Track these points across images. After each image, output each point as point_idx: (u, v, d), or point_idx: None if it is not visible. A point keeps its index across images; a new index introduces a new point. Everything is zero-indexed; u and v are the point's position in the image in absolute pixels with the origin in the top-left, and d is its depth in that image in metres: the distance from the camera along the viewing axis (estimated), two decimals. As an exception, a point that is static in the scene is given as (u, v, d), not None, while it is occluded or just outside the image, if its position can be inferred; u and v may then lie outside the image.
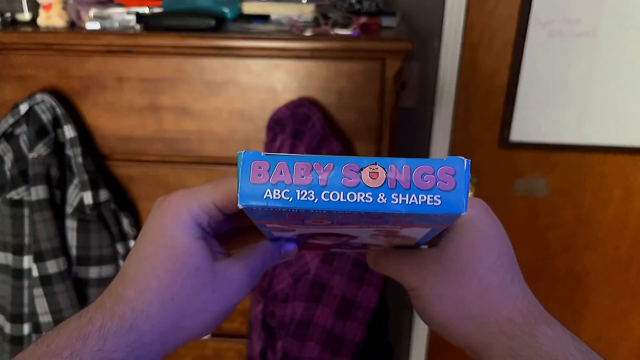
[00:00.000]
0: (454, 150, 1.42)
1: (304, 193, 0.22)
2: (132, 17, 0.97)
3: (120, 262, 1.03)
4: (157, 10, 1.00)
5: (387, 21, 1.02)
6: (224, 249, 0.34)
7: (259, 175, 0.23)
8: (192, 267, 0.31)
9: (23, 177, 0.95)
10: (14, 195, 0.95)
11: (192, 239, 0.31)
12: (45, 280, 0.96)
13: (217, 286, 0.32)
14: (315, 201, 0.22)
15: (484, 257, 0.31)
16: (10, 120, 0.96)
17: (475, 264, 0.31)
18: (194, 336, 0.32)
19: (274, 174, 0.23)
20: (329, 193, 0.22)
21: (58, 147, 0.96)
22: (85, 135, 0.99)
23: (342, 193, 0.22)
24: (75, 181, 0.96)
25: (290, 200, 0.22)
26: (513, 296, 0.31)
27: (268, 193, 0.22)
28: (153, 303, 0.30)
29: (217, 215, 0.33)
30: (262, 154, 0.23)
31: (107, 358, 0.27)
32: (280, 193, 0.22)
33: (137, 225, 1.05)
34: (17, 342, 1.01)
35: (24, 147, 0.95)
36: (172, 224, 0.31)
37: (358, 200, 0.22)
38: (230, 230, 0.37)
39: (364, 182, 0.23)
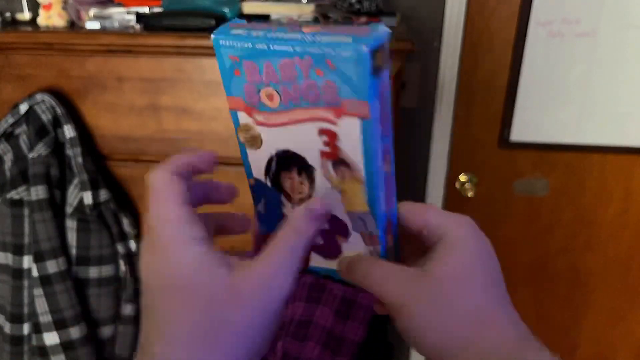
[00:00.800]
0: (454, 150, 1.42)
1: (257, 35, 0.30)
2: (132, 17, 0.97)
3: (120, 262, 1.03)
4: (157, 10, 1.00)
5: (387, 21, 1.02)
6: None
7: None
8: (208, 294, 0.28)
9: (23, 177, 0.95)
10: (13, 195, 0.95)
11: (196, 256, 0.28)
12: (45, 280, 0.96)
13: (244, 303, 0.28)
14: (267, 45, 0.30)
15: (474, 280, 0.30)
16: (10, 120, 0.96)
17: (465, 287, 0.30)
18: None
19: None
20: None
21: (58, 147, 0.96)
22: (85, 135, 0.99)
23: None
24: (75, 181, 0.96)
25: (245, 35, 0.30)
26: (504, 321, 0.30)
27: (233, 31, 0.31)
28: (181, 354, 0.27)
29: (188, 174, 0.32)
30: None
31: None
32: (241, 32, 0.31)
33: (137, 225, 1.05)
34: (17, 342, 1.01)
35: (24, 146, 0.95)
36: (170, 238, 0.29)
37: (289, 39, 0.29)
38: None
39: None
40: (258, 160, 0.35)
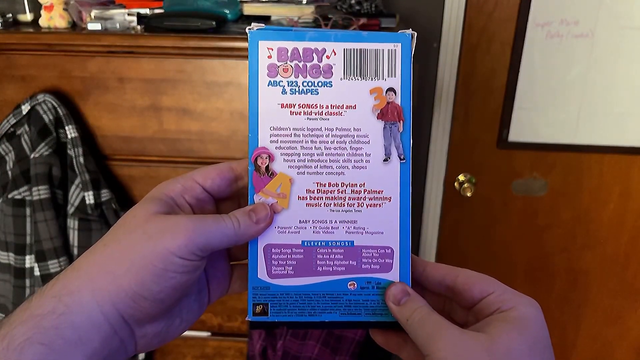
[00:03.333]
0: (452, 150, 1.43)
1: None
2: (134, 18, 0.98)
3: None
4: (158, 11, 1.00)
5: (386, 22, 1.03)
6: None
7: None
8: (127, 218, 0.32)
9: (25, 177, 0.96)
10: (15, 195, 0.96)
11: (142, 206, 0.33)
12: (46, 280, 0.96)
13: (150, 232, 0.31)
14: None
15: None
16: (12, 121, 0.97)
17: None
18: (123, 286, 0.30)
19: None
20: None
21: (60, 147, 0.97)
22: (87, 136, 1.00)
23: None
24: (77, 181, 0.97)
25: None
26: None
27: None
28: (87, 254, 0.31)
29: (199, 193, 0.35)
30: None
31: (34, 315, 0.28)
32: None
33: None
34: (19, 341, 1.01)
35: (26, 147, 0.96)
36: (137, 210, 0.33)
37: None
38: None
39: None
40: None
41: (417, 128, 1.41)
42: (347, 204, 0.35)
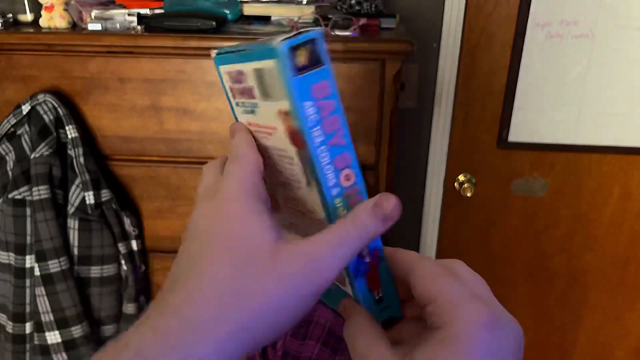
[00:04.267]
0: (452, 151, 1.43)
1: None
2: (134, 19, 0.98)
3: (122, 261, 1.04)
4: (158, 11, 1.01)
5: (386, 22, 1.03)
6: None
7: None
8: (250, 249, 0.26)
9: (25, 177, 0.96)
10: (16, 195, 0.96)
11: (251, 214, 0.26)
12: (47, 280, 0.96)
13: (286, 273, 0.25)
14: None
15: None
16: (13, 121, 0.97)
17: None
18: (263, 338, 0.25)
19: None
20: None
21: (60, 147, 0.97)
22: (87, 136, 1.00)
23: None
24: (77, 181, 0.97)
25: None
26: None
27: None
28: (205, 304, 0.25)
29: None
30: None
31: None
32: None
33: (139, 225, 1.06)
34: (19, 340, 1.02)
35: (26, 147, 0.96)
36: (234, 200, 0.27)
37: None
38: None
39: None
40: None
41: (418, 128, 1.41)
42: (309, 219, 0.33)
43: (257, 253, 0.26)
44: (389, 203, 0.27)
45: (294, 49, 0.27)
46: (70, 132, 0.96)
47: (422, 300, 0.27)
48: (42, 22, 0.99)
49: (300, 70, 0.27)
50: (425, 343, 0.25)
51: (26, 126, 0.96)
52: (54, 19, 0.98)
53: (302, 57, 0.27)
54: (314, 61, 0.27)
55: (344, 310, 0.31)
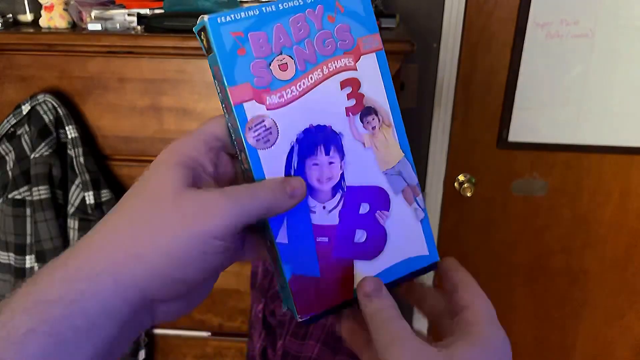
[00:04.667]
0: (452, 150, 1.43)
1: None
2: (134, 19, 0.98)
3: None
4: (158, 11, 1.01)
5: (386, 22, 1.03)
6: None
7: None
8: (152, 191, 0.29)
9: (25, 177, 0.96)
10: (16, 195, 0.96)
11: (169, 169, 0.30)
12: (47, 280, 0.96)
13: (185, 212, 0.28)
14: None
15: None
16: (13, 121, 0.97)
17: None
18: (156, 270, 0.28)
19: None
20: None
21: (60, 147, 0.97)
22: (87, 136, 1.00)
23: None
24: (77, 181, 0.97)
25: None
26: None
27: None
28: (105, 231, 0.28)
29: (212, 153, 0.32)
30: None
31: (39, 302, 0.25)
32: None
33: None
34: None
35: (26, 147, 0.96)
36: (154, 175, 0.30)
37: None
38: None
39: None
40: (274, 162, 0.31)
41: (417, 128, 1.41)
42: None
43: (161, 196, 0.29)
44: (296, 182, 0.31)
45: (198, 33, 0.30)
46: (70, 132, 0.96)
47: (459, 305, 0.32)
48: (42, 22, 0.99)
49: (206, 52, 0.30)
50: (459, 342, 0.30)
51: (26, 126, 0.96)
52: (53, 19, 0.98)
53: (204, 41, 0.30)
54: (209, 47, 0.29)
55: (366, 289, 0.31)
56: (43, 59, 0.96)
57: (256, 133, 0.30)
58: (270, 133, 0.30)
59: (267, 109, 0.30)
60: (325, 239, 0.32)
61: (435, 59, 1.34)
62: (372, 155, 0.33)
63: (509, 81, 1.35)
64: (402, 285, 0.35)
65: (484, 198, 1.47)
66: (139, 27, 0.97)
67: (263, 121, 0.30)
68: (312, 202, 0.32)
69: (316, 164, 0.32)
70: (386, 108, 0.33)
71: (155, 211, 0.28)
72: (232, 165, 0.34)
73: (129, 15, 0.98)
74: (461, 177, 1.46)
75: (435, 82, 1.36)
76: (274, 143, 0.31)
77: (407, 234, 0.34)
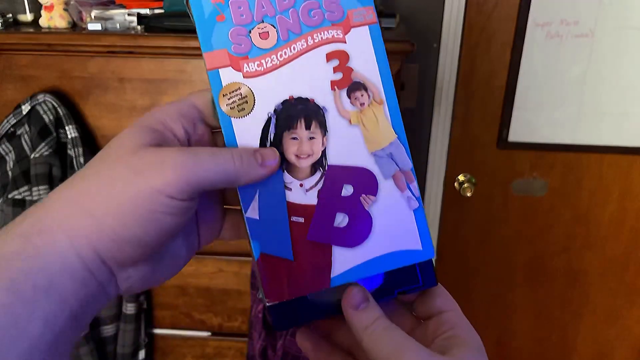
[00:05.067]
0: (452, 150, 1.43)
1: None
2: (134, 18, 0.98)
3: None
4: (158, 11, 1.00)
5: (386, 22, 1.03)
6: None
7: None
8: (112, 149, 0.28)
9: (25, 177, 0.96)
10: (16, 195, 0.96)
11: (135, 132, 0.28)
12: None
13: (137, 166, 0.26)
14: None
15: None
16: (12, 121, 0.97)
17: None
18: (106, 227, 0.26)
19: None
20: None
21: (60, 147, 0.97)
22: (87, 136, 1.00)
23: None
24: (77, 181, 0.97)
25: None
26: None
27: None
28: (62, 188, 0.27)
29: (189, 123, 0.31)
30: None
31: None
32: None
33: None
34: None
35: (26, 147, 0.96)
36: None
37: None
38: None
39: None
40: (249, 132, 0.29)
41: (417, 128, 1.41)
42: None
43: (118, 152, 0.27)
44: (269, 152, 0.29)
45: (186, 3, 0.29)
46: (70, 132, 0.96)
47: (434, 307, 0.31)
48: (42, 22, 0.99)
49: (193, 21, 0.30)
50: (459, 348, 0.28)
51: (26, 126, 0.96)
52: (53, 18, 0.98)
53: (189, 10, 0.29)
54: (191, 14, 0.29)
55: (353, 298, 0.30)
56: (43, 59, 0.96)
57: (230, 100, 0.29)
58: (246, 102, 0.29)
59: (244, 77, 0.29)
60: (301, 219, 0.30)
61: (435, 59, 1.34)
62: (359, 133, 0.30)
63: (509, 81, 1.35)
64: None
65: (484, 198, 1.47)
66: (139, 27, 0.97)
67: (239, 89, 0.29)
68: (288, 178, 0.30)
69: (295, 138, 0.30)
70: (378, 85, 0.30)
71: (109, 167, 0.27)
72: (210, 137, 0.32)
73: (129, 15, 0.98)
74: (461, 177, 1.46)
75: (435, 82, 1.36)
76: (250, 112, 0.29)
77: (397, 224, 0.31)
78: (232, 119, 0.29)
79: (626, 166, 1.41)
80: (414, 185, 0.31)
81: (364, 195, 0.30)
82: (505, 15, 1.29)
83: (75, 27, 1.00)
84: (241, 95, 0.29)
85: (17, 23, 1.04)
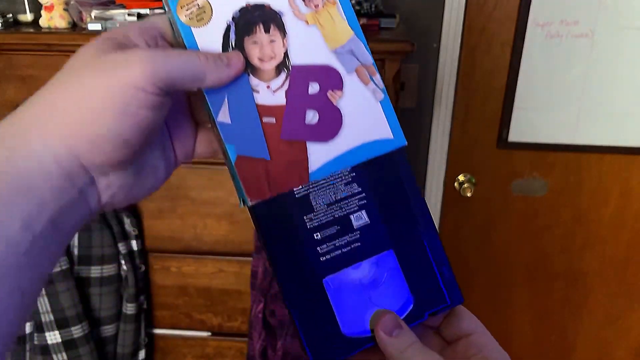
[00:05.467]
0: (452, 150, 1.43)
1: None
2: (134, 18, 0.98)
3: (122, 261, 1.04)
4: (158, 11, 1.01)
5: (386, 22, 1.03)
6: None
7: None
8: (80, 54, 0.28)
9: (25, 177, 0.96)
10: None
11: (104, 41, 0.29)
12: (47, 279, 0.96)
13: (107, 64, 0.27)
14: None
15: None
16: (13, 121, 0.97)
17: None
18: (80, 125, 0.26)
19: None
20: None
21: (60, 147, 0.97)
22: (87, 136, 1.00)
23: None
24: (77, 181, 0.97)
25: None
26: None
27: None
28: (27, 102, 0.28)
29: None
30: None
31: None
32: None
33: (139, 225, 1.05)
34: (19, 340, 1.02)
35: (26, 147, 0.96)
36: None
37: None
38: None
39: None
40: (210, 40, 0.30)
41: (417, 128, 1.41)
42: None
43: (86, 55, 0.28)
44: (233, 54, 0.30)
45: None
46: (70, 132, 0.96)
47: (461, 329, 0.33)
48: (42, 22, 0.99)
49: None
50: None
51: (26, 126, 0.96)
52: (53, 19, 0.98)
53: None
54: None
55: (387, 325, 0.31)
56: (43, 59, 0.96)
57: (189, 11, 0.30)
58: (204, 12, 0.30)
59: None
60: (272, 120, 0.31)
61: (435, 59, 1.34)
62: (318, 33, 0.31)
63: (509, 81, 1.35)
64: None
65: (484, 198, 1.47)
66: (139, 27, 0.97)
67: (195, 0, 0.30)
68: (254, 80, 0.31)
69: (256, 42, 0.31)
70: None
71: (79, 71, 0.27)
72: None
73: (129, 15, 0.98)
74: (461, 177, 1.46)
75: (435, 82, 1.36)
76: (209, 22, 0.30)
77: (366, 116, 0.32)
78: (193, 28, 0.30)
79: (626, 166, 1.41)
80: (377, 77, 0.33)
81: (330, 91, 0.32)
82: (505, 15, 1.29)
83: (75, 27, 1.00)
84: (198, 5, 0.30)
85: (17, 23, 1.04)
